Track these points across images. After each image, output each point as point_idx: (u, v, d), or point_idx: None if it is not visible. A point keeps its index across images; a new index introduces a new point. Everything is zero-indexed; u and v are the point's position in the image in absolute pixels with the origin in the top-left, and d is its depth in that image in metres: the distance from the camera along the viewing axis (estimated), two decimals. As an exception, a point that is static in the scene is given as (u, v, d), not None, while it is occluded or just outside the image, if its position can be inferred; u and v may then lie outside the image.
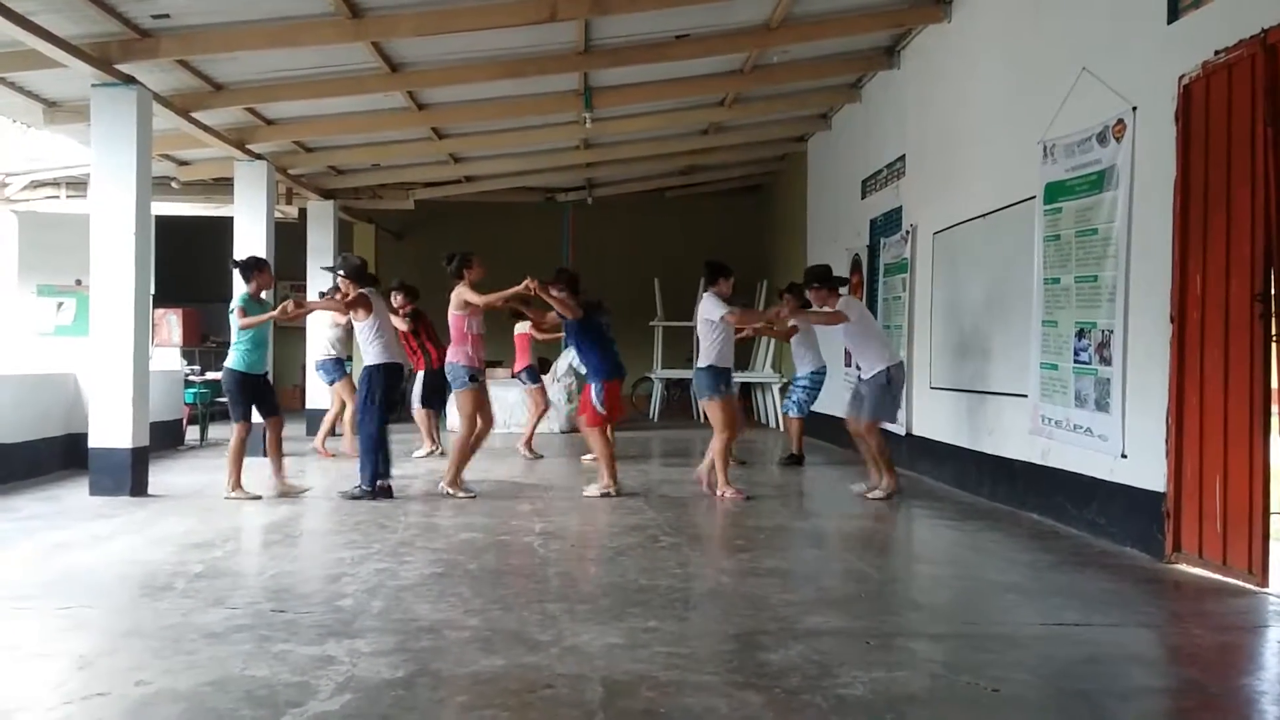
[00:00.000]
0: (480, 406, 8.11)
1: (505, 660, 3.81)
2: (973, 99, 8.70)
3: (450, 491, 7.86)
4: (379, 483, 7.77)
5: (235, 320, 7.80)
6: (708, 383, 8.03)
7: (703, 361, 8.09)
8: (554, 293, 8.04)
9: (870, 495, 8.00)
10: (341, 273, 8.07)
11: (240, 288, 8.17)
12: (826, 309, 8.11)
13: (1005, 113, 7.98)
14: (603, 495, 7.89)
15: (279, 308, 7.91)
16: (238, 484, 7.74)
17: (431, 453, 10.74)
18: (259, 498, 7.73)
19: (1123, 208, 6.17)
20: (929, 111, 9.75)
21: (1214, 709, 3.53)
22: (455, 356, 8.02)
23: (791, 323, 8.43)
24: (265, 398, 8.03)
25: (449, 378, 8.21)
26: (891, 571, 5.89)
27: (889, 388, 7.98)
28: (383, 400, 7.86)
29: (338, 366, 10.96)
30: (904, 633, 4.37)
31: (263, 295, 8.05)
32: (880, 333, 8.41)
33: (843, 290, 8.28)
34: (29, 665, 3.78)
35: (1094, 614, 4.68)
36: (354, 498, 7.68)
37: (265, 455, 8.14)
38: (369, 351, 7.90)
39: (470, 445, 8.11)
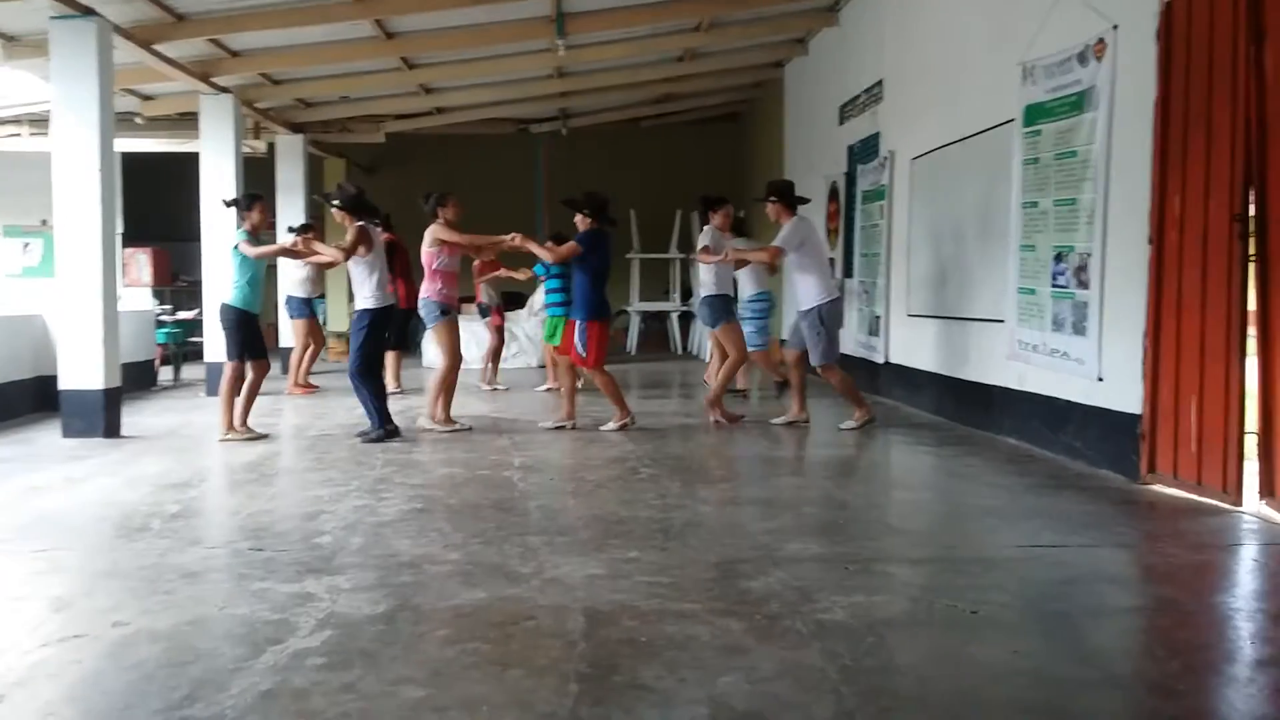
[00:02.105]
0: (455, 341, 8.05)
1: (486, 593, 3.81)
2: (952, 20, 8.56)
3: (434, 428, 7.81)
4: (389, 426, 7.52)
5: (237, 256, 7.55)
6: (720, 310, 8.23)
7: (706, 291, 8.24)
8: (533, 247, 7.92)
9: (776, 420, 8.12)
10: (337, 203, 7.55)
11: (235, 225, 7.89)
12: (759, 249, 7.98)
13: (985, 34, 7.86)
14: (620, 428, 7.82)
15: (291, 242, 7.64)
16: (231, 425, 7.58)
17: (394, 392, 10.59)
18: (264, 437, 7.63)
19: (1102, 129, 6.11)
20: (907, 34, 9.60)
21: (1190, 626, 3.57)
22: (426, 292, 7.94)
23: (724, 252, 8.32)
24: (256, 341, 7.78)
25: (421, 313, 8.08)
26: (870, 498, 5.92)
27: (824, 328, 7.77)
28: (379, 343, 7.61)
29: (304, 305, 10.86)
30: (883, 558, 4.40)
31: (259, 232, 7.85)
32: (824, 264, 8.05)
33: (801, 210, 8.03)
34: (5, 609, 3.74)
35: (1071, 535, 4.73)
36: (373, 440, 7.38)
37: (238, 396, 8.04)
38: (364, 294, 7.49)
39: (448, 381, 8.01)
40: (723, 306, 8.39)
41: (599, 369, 7.84)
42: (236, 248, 7.58)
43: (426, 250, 7.90)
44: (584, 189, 8.01)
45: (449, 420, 7.93)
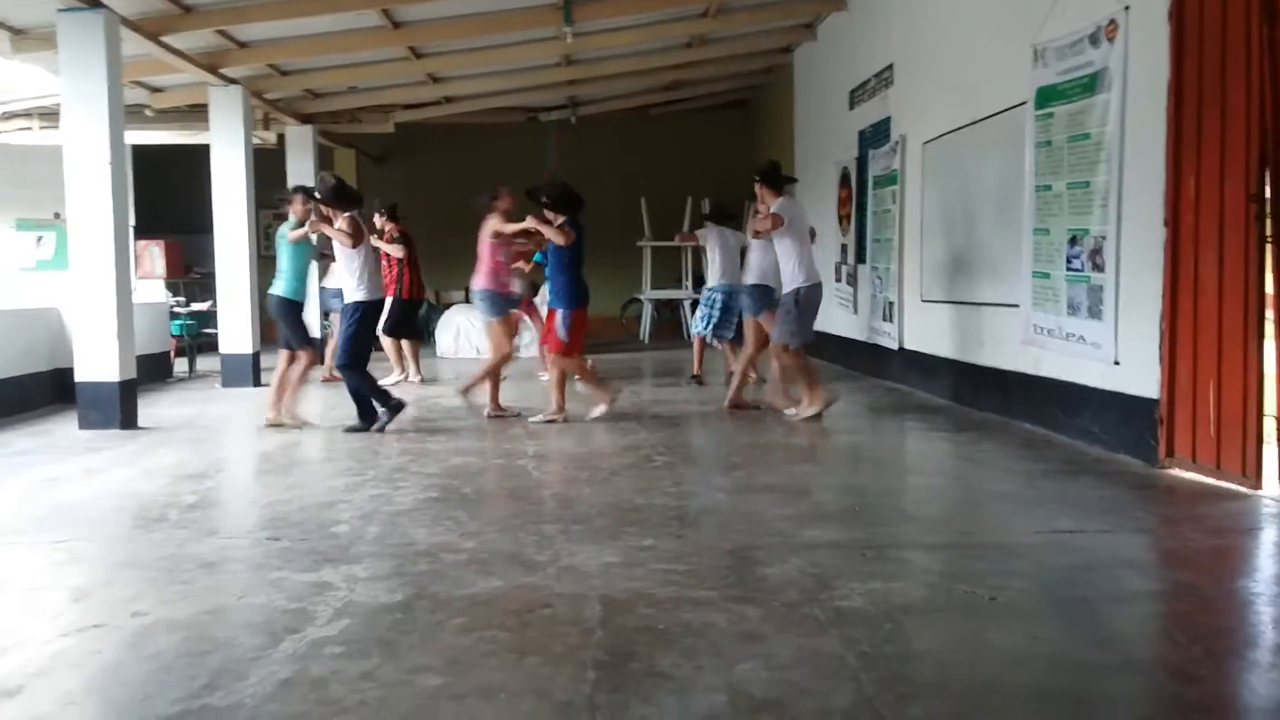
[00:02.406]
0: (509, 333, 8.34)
1: (503, 581, 3.81)
2: (962, 2, 8.50)
3: (463, 395, 8.22)
4: (390, 404, 7.49)
5: (287, 246, 7.68)
6: (762, 299, 8.39)
7: (752, 279, 8.43)
8: (542, 227, 7.82)
9: (799, 416, 7.75)
10: (319, 196, 7.47)
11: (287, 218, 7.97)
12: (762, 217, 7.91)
13: (995, 15, 7.80)
14: (603, 411, 7.85)
15: (309, 224, 7.72)
16: (292, 410, 7.76)
17: (400, 380, 10.58)
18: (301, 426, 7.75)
19: (1115, 111, 6.06)
20: (917, 17, 9.54)
21: (1209, 611, 3.55)
22: (488, 284, 8.08)
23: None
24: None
25: (480, 303, 8.23)
26: (886, 484, 5.91)
27: (797, 310, 7.64)
28: (370, 336, 7.71)
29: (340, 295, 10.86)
30: (900, 544, 4.39)
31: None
32: (806, 247, 7.83)
33: (797, 193, 7.99)
34: (25, 599, 3.77)
35: (1088, 521, 4.71)
36: (382, 428, 7.40)
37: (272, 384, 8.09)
38: (352, 285, 7.41)
39: (495, 370, 8.23)
40: (764, 296, 8.43)
41: (575, 356, 7.87)
42: (284, 236, 7.67)
43: (488, 242, 8.06)
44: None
45: (498, 407, 8.12)
